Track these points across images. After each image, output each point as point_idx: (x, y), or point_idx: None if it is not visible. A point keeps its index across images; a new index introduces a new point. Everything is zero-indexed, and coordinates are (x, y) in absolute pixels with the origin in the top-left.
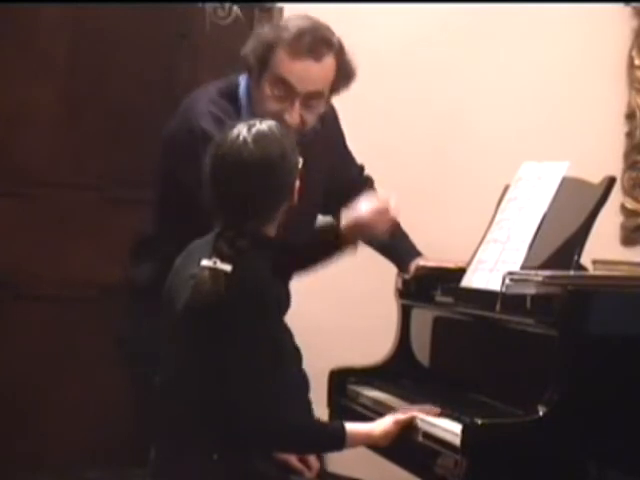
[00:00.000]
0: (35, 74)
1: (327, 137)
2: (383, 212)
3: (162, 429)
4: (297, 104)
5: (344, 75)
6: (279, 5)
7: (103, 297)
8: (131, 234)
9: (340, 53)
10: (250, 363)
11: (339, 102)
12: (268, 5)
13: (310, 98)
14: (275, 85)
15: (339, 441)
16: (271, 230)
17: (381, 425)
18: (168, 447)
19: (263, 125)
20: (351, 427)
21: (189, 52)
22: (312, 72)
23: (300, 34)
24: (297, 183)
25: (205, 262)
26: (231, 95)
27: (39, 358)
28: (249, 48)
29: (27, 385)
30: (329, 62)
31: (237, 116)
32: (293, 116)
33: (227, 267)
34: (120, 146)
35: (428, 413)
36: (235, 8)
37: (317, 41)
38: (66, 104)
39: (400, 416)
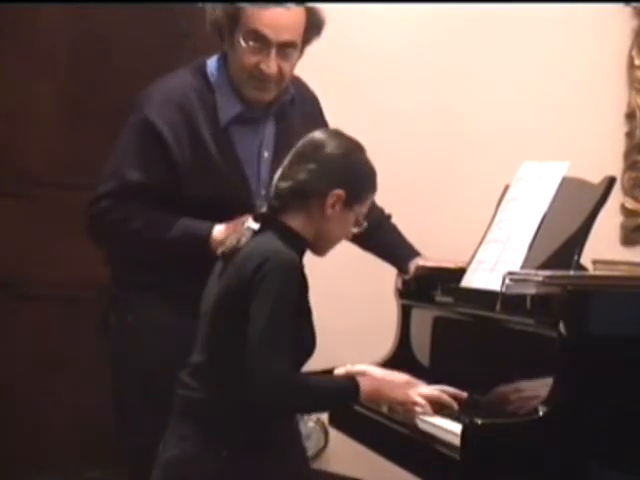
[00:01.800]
0: (35, 74)
1: (305, 113)
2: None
3: (178, 418)
4: (273, 54)
5: (315, 24)
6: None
7: (103, 297)
8: None
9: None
10: (269, 325)
11: (339, 103)
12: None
13: (285, 47)
14: (249, 38)
15: (353, 390)
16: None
17: (393, 390)
18: (179, 438)
19: None
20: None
21: (189, 52)
22: (283, 20)
23: None
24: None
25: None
26: (201, 72)
27: (39, 358)
28: (217, 9)
29: (27, 385)
30: (298, 11)
31: (208, 90)
32: (270, 66)
33: (256, 225)
34: None
35: (454, 398)
36: None
37: None
38: (66, 104)
39: (425, 391)
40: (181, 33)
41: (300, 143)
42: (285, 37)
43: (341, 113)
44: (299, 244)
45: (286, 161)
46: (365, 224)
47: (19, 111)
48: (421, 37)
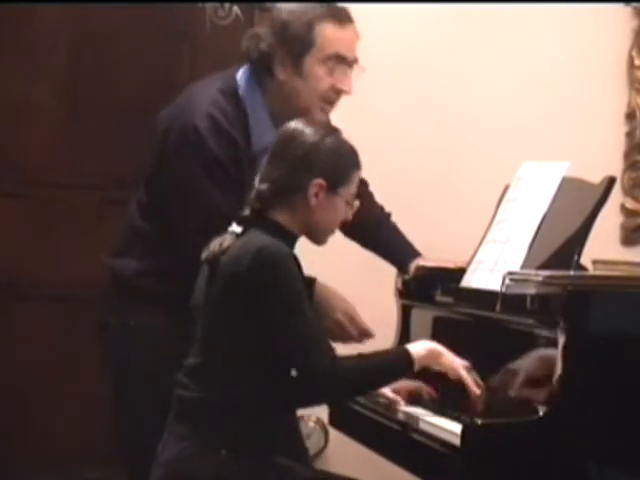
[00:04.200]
0: (35, 74)
1: None
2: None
3: (176, 419)
4: (350, 73)
5: None
6: (279, 5)
7: (101, 300)
8: None
9: None
10: (303, 320)
11: (338, 103)
12: (268, 5)
13: (354, 63)
14: (329, 61)
15: (408, 361)
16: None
17: (445, 355)
18: (178, 439)
19: None
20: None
21: (189, 52)
22: (355, 38)
23: (332, 6)
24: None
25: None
26: (232, 95)
27: (39, 358)
28: (266, 37)
29: (27, 385)
30: (354, 27)
31: (240, 116)
32: (349, 84)
33: (239, 229)
34: (120, 146)
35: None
36: (235, 8)
37: (346, 9)
38: (66, 104)
39: (462, 373)
40: (180, 33)
41: (273, 141)
42: (355, 54)
43: (340, 113)
44: (286, 238)
45: (264, 163)
46: (357, 203)
47: (19, 111)
48: (420, 37)
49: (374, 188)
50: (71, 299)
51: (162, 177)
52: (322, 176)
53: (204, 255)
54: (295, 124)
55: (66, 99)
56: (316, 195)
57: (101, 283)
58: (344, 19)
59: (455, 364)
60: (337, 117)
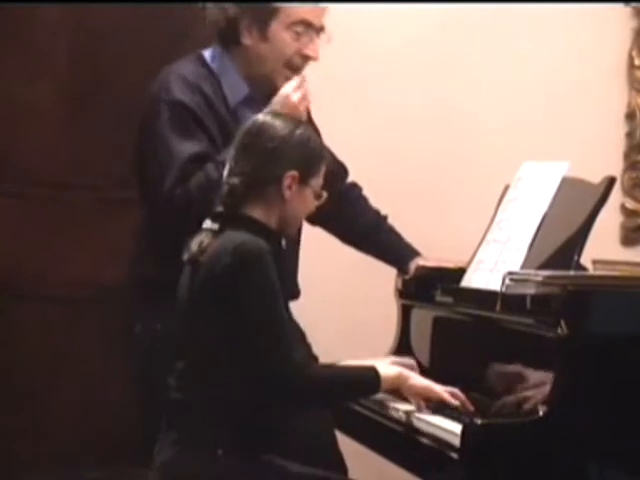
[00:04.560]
0: (35, 74)
1: None
2: None
3: (169, 423)
4: (316, 39)
5: None
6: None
7: (103, 297)
8: (131, 234)
9: None
10: (271, 322)
11: (338, 103)
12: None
13: (320, 31)
14: (295, 26)
15: (375, 381)
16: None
17: (414, 378)
18: (173, 441)
19: None
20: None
21: (188, 52)
22: (321, 5)
23: None
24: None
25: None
26: (201, 62)
27: (39, 358)
28: (235, 9)
29: (27, 385)
30: None
31: (209, 76)
32: (315, 50)
33: (215, 226)
34: (120, 146)
35: (454, 398)
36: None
37: None
38: (66, 104)
39: (435, 388)
40: (180, 33)
41: (240, 134)
42: (322, 21)
43: (340, 113)
44: (266, 234)
45: (230, 155)
46: (325, 194)
47: (19, 111)
48: (420, 37)
49: (374, 188)
50: (71, 299)
51: (142, 151)
52: (295, 168)
53: (185, 256)
54: (263, 117)
55: (66, 99)
56: (289, 187)
57: (101, 282)
58: None
59: (425, 384)
60: (337, 117)
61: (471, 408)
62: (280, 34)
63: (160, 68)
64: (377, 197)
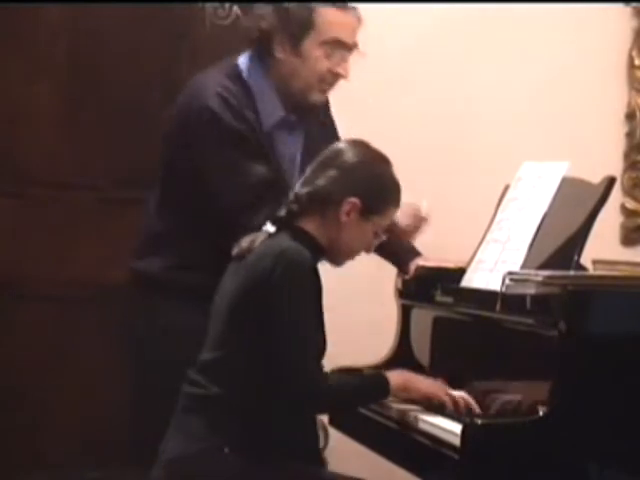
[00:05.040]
0: (35, 74)
1: (321, 116)
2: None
3: (179, 419)
4: (348, 57)
5: None
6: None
7: (103, 297)
8: (131, 234)
9: None
10: (297, 326)
11: (339, 103)
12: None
13: (353, 48)
14: (328, 45)
15: (385, 387)
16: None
17: (422, 382)
18: (179, 438)
19: None
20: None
21: (189, 52)
22: (354, 24)
23: None
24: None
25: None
26: (237, 77)
27: (39, 358)
28: (266, 15)
29: (27, 384)
30: (355, 13)
31: (246, 96)
32: (347, 69)
33: (272, 228)
34: (120, 146)
35: (459, 406)
36: (235, 8)
37: None
38: (66, 104)
39: (443, 397)
40: (179, 33)
41: (324, 151)
42: (355, 39)
43: (340, 114)
44: (312, 247)
45: (309, 169)
46: (384, 237)
47: (19, 111)
48: (420, 38)
49: None
50: (71, 299)
51: (181, 167)
52: (359, 196)
53: (234, 251)
54: (352, 142)
55: (66, 99)
56: (348, 213)
57: (101, 282)
58: (345, 4)
59: (431, 390)
60: (337, 117)
61: (477, 410)
62: (313, 51)
63: (160, 68)
64: None
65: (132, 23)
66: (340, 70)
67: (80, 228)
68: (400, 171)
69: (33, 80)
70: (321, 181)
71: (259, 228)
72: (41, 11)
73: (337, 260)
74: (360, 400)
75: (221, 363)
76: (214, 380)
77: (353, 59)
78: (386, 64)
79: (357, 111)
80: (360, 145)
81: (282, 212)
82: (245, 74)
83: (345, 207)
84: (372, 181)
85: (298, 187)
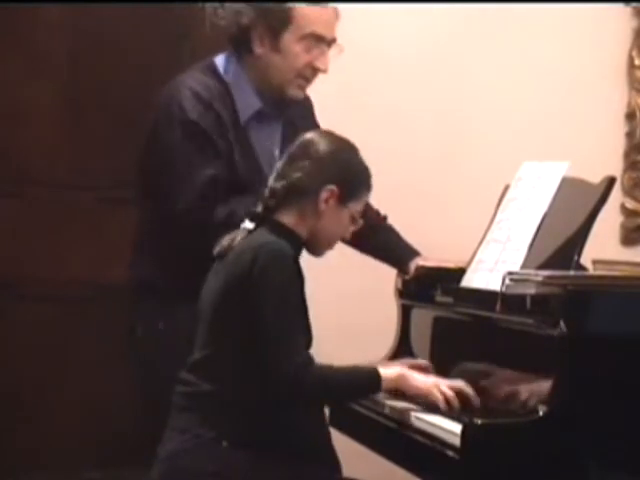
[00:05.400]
0: (35, 74)
1: (301, 111)
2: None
3: (175, 415)
4: (327, 51)
5: None
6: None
7: (103, 297)
8: (131, 234)
9: None
10: (280, 315)
11: (339, 103)
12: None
13: (332, 43)
14: (306, 39)
15: (376, 381)
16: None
17: (415, 378)
18: (177, 434)
19: None
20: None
21: (189, 52)
22: (332, 18)
23: None
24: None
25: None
26: (213, 72)
27: (39, 358)
28: (245, 12)
29: (27, 385)
30: (335, 9)
31: (221, 89)
32: (326, 63)
33: (251, 225)
34: (120, 146)
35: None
36: None
37: None
38: (66, 104)
39: (435, 392)
40: (179, 33)
41: (294, 144)
42: (334, 34)
43: (340, 114)
44: (292, 240)
45: (280, 162)
46: (361, 222)
47: (19, 111)
48: (420, 37)
49: (374, 188)
50: (71, 299)
51: (152, 161)
52: (336, 184)
53: (215, 250)
54: (319, 133)
55: (66, 99)
56: (326, 201)
57: (101, 282)
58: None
59: (427, 385)
60: (337, 117)
61: (477, 402)
62: (292, 46)
63: (160, 68)
64: (377, 197)
65: (132, 23)
66: (319, 64)
67: (80, 228)
68: (400, 171)
69: (33, 80)
70: (296, 173)
71: (237, 226)
72: (41, 11)
73: (317, 250)
74: (349, 391)
75: (210, 361)
76: (204, 377)
77: (331, 54)
78: (386, 64)
79: (357, 111)
80: (328, 134)
81: (259, 208)
82: (221, 69)
83: (323, 195)
84: (346, 168)
85: (272, 182)
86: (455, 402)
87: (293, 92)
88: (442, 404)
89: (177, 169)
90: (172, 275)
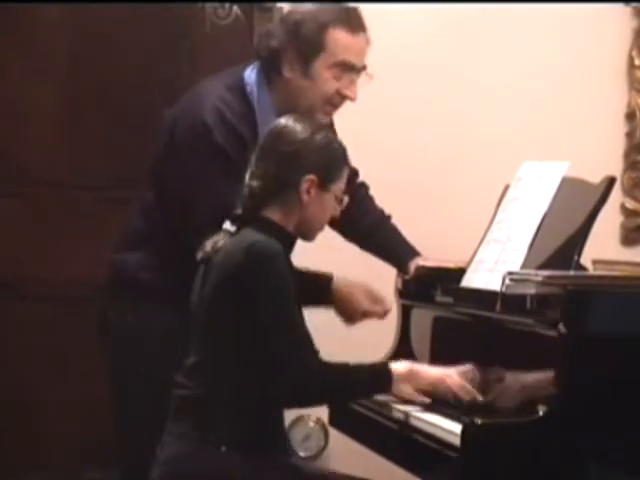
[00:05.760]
0: (35, 74)
1: None
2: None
3: (173, 419)
4: (356, 80)
5: None
6: (279, 5)
7: (100, 297)
8: None
9: None
10: (280, 312)
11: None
12: (268, 5)
13: (362, 70)
14: (337, 67)
15: (387, 377)
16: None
17: (426, 371)
18: (176, 437)
19: None
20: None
21: (189, 52)
22: (365, 46)
23: (347, 10)
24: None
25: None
26: (240, 91)
27: (39, 358)
28: (278, 33)
29: (27, 385)
30: (365, 36)
31: (247, 112)
32: (355, 91)
33: (233, 227)
34: (120, 146)
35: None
36: (235, 8)
37: (359, 15)
38: (66, 104)
39: (447, 380)
40: (179, 33)
41: (262, 138)
42: (364, 61)
43: (340, 114)
44: (280, 236)
45: (253, 159)
46: (347, 199)
47: (19, 111)
48: (420, 37)
49: (374, 188)
50: (71, 299)
51: (170, 173)
52: (314, 172)
53: (199, 256)
54: (285, 120)
55: (66, 99)
56: (308, 191)
57: (101, 281)
58: (356, 26)
59: (436, 376)
60: (337, 117)
61: (480, 398)
62: (322, 73)
63: (160, 68)
64: (377, 197)
65: (132, 23)
66: (348, 93)
67: (80, 228)
68: (400, 171)
69: (33, 80)
70: (271, 169)
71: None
72: (41, 11)
73: (309, 236)
74: (362, 390)
75: (206, 364)
76: (200, 381)
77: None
78: (386, 64)
79: (357, 111)
80: (298, 120)
81: (239, 210)
82: (249, 87)
83: (304, 186)
84: (322, 153)
85: (248, 179)
86: (469, 389)
87: (320, 118)
88: (452, 396)
89: (200, 191)
90: (155, 273)
